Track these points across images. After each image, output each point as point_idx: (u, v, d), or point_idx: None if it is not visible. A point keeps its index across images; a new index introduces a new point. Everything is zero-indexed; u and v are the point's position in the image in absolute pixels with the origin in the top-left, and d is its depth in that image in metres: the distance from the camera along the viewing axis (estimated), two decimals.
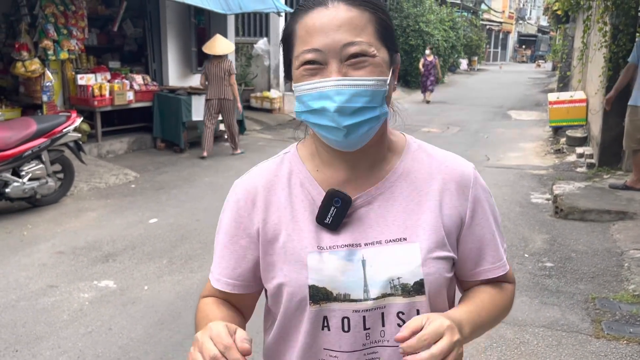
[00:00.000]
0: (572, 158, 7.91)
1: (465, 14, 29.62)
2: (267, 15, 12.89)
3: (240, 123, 9.35)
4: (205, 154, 7.82)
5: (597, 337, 3.08)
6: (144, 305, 3.49)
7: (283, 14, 11.59)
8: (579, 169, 7.21)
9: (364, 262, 0.95)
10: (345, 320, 0.95)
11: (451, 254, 0.99)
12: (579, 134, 8.65)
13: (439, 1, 22.38)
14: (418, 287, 0.95)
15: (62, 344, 3.04)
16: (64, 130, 5.31)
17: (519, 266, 4.18)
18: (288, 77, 0.98)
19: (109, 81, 7.76)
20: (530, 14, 55.60)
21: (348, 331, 0.95)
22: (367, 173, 1.00)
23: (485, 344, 3.05)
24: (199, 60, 9.50)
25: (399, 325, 0.94)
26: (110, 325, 3.25)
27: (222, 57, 7.71)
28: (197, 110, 8.24)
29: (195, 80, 9.27)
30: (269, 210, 1.01)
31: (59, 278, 3.87)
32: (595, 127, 7.49)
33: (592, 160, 7.19)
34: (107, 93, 7.54)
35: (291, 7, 14.30)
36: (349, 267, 0.95)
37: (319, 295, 0.95)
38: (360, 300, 0.94)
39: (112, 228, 4.91)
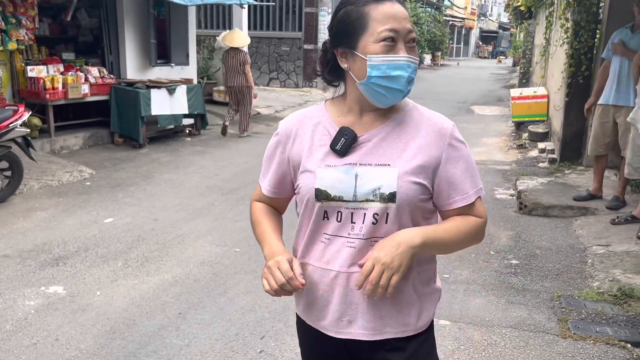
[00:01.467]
0: (534, 153, 7.98)
1: (429, 9, 29.85)
2: (229, 7, 12.62)
3: (202, 118, 9.12)
4: (244, 134, 9.08)
5: (563, 337, 3.04)
6: (96, 312, 3.28)
7: (246, 6, 11.34)
8: (541, 164, 7.28)
9: (356, 176, 1.35)
10: (339, 213, 1.36)
11: (422, 181, 1.34)
12: (540, 129, 8.75)
13: None
14: (391, 197, 1.32)
15: (4, 358, 2.82)
16: (11, 125, 5.00)
17: (485, 263, 4.14)
18: (344, 45, 1.35)
19: (62, 73, 7.39)
20: (491, 11, 56.58)
21: (340, 221, 1.37)
22: (373, 120, 1.39)
23: (453, 347, 2.97)
24: (159, 52, 9.19)
25: (373, 224, 1.34)
26: (58, 335, 3.03)
27: (238, 49, 8.77)
28: (157, 104, 7.96)
29: (155, 74, 8.97)
30: (295, 141, 1.43)
31: (3, 284, 3.61)
32: (557, 122, 7.57)
33: (554, 156, 7.26)
34: (60, 86, 7.18)
35: None
36: (345, 178, 1.35)
37: (322, 195, 1.36)
38: (350, 201, 1.35)
39: (63, 229, 4.65)
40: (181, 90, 8.38)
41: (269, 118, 11.28)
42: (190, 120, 9.01)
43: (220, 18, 15.59)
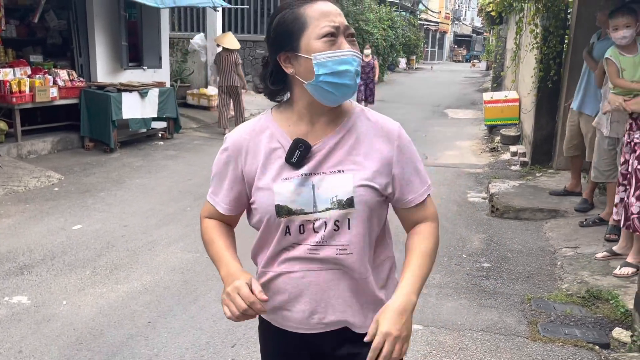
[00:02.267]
0: (506, 156, 8.09)
1: (404, 13, 30.09)
2: (203, 9, 12.51)
3: (175, 121, 9.01)
4: (226, 131, 9.11)
5: (533, 340, 3.07)
6: (61, 323, 3.20)
7: (220, 9, 11.25)
8: (513, 167, 7.37)
9: (313, 186, 1.34)
10: (301, 226, 1.36)
11: (376, 185, 1.36)
12: (512, 132, 8.88)
13: (377, 0, 22.57)
14: (349, 202, 1.34)
15: None
16: None
17: (457, 267, 4.17)
18: (286, 49, 1.33)
19: (29, 76, 7.22)
20: (465, 15, 57.34)
21: (303, 233, 1.36)
22: (325, 127, 1.38)
23: (425, 351, 2.98)
24: (131, 55, 9.06)
25: (335, 230, 1.35)
26: (21, 347, 2.94)
27: (231, 50, 9.33)
28: (128, 107, 7.84)
29: (127, 77, 8.83)
30: (248, 155, 1.39)
31: None
32: (528, 126, 7.69)
33: (525, 159, 7.37)
34: (27, 89, 7.00)
35: (228, 2, 13.97)
36: (303, 190, 1.34)
37: (283, 211, 1.35)
38: (311, 213, 1.35)
39: (29, 236, 4.53)
40: (153, 93, 8.27)
41: (243, 121, 11.21)
42: (163, 124, 8.90)
43: (194, 21, 15.45)
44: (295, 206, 1.34)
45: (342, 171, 1.35)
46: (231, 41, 9.49)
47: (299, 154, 1.34)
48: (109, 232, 4.70)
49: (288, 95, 1.42)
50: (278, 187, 1.35)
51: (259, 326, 1.56)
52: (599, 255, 4.09)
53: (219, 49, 9.86)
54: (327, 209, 1.34)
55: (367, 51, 12.15)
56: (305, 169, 1.35)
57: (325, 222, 1.35)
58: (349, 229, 1.36)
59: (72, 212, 5.17)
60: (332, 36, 1.29)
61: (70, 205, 5.39)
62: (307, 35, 1.30)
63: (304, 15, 1.31)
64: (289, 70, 1.34)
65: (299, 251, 1.38)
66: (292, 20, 1.31)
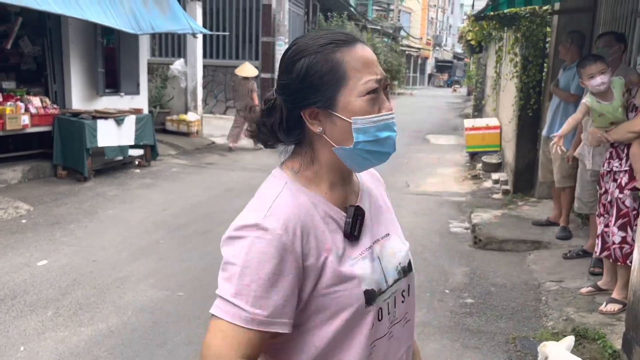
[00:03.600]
0: (488, 184, 8.04)
1: (386, 39, 30.46)
2: (183, 35, 12.43)
3: (153, 148, 8.82)
4: (231, 145, 10.48)
5: None
6: None
7: (200, 36, 11.20)
8: (495, 196, 7.31)
9: (378, 259, 1.13)
10: (379, 310, 1.11)
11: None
12: (494, 160, 8.86)
13: (360, 27, 22.80)
14: (409, 267, 1.21)
15: None
16: None
17: (440, 303, 4.02)
18: (317, 104, 1.06)
19: (0, 104, 7.01)
20: (446, 41, 58.41)
21: (381, 320, 1.12)
22: (352, 187, 1.17)
23: None
24: (108, 81, 8.90)
25: (402, 302, 1.18)
26: None
27: (247, 78, 10.35)
28: (104, 135, 7.64)
29: (103, 103, 8.65)
30: (310, 241, 1.04)
31: None
32: (509, 154, 7.66)
33: (507, 187, 7.31)
34: None
35: (209, 29, 13.92)
36: (374, 266, 1.11)
37: (371, 296, 1.08)
38: (385, 291, 1.12)
39: None
40: (130, 120, 8.10)
41: (224, 148, 11.03)
42: (140, 152, 8.71)
43: (175, 46, 15.38)
44: (375, 287, 1.10)
45: (389, 234, 1.19)
46: (249, 70, 10.47)
47: (358, 223, 1.11)
48: (76, 267, 4.47)
49: (288, 146, 1.15)
50: (358, 268, 1.08)
51: None
52: (584, 290, 3.99)
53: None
54: (395, 281, 1.15)
55: None
56: (367, 241, 1.12)
57: (395, 297, 1.16)
58: (409, 295, 1.20)
59: (39, 247, 4.93)
60: (374, 92, 1.06)
61: (37, 238, 5.15)
62: (347, 91, 1.05)
63: (343, 63, 1.05)
64: (316, 128, 1.08)
65: (382, 347, 1.13)
66: (329, 70, 1.05)
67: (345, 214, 1.11)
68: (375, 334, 1.10)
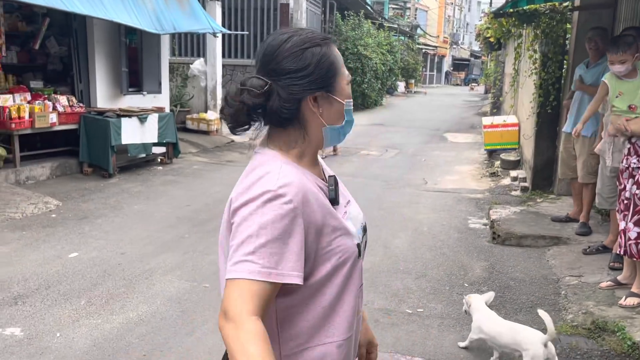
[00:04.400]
0: (506, 181, 8.06)
1: (403, 38, 30.41)
2: (204, 35, 12.60)
3: (175, 146, 9.00)
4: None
5: None
6: (54, 356, 3.11)
7: (220, 35, 11.35)
8: (513, 193, 7.33)
9: (350, 219, 1.29)
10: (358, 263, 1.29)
11: None
12: (512, 157, 8.86)
13: (376, 25, 22.82)
14: (366, 227, 1.38)
15: None
16: None
17: (459, 296, 4.08)
18: (324, 88, 1.23)
19: (29, 102, 7.22)
20: (463, 39, 57.99)
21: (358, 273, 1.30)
22: (319, 163, 1.35)
23: None
24: (131, 80, 9.09)
25: (363, 257, 1.33)
26: None
27: None
28: (127, 133, 7.83)
29: (127, 102, 8.85)
30: (309, 204, 1.16)
31: None
32: (528, 151, 7.67)
33: (526, 184, 7.33)
34: (26, 115, 7.00)
35: (228, 28, 14.10)
36: (351, 224, 1.27)
37: (359, 249, 1.28)
38: (359, 243, 1.29)
39: (25, 264, 4.46)
40: (152, 119, 8.27)
41: (242, 146, 11.18)
42: (162, 149, 8.88)
43: (195, 46, 15.58)
44: (359, 241, 1.29)
45: (349, 200, 1.36)
46: None
47: (336, 191, 1.29)
48: (106, 260, 4.63)
49: (260, 131, 1.27)
50: (349, 225, 1.26)
51: None
52: (603, 284, 4.02)
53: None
54: (361, 238, 1.32)
55: None
56: (342, 205, 1.30)
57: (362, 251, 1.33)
58: (364, 251, 1.37)
59: (69, 240, 5.10)
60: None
61: (67, 232, 5.33)
62: (341, 78, 1.25)
63: (336, 56, 1.25)
64: (316, 110, 1.22)
65: (360, 290, 1.34)
66: (334, 59, 1.23)
67: (326, 183, 1.30)
68: (359, 283, 1.29)
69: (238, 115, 1.21)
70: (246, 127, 1.24)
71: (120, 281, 4.20)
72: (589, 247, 4.80)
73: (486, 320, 3.15)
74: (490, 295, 3.31)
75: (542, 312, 2.94)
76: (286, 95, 1.19)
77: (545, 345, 2.83)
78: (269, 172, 1.17)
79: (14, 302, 3.76)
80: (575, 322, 3.59)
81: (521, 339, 2.92)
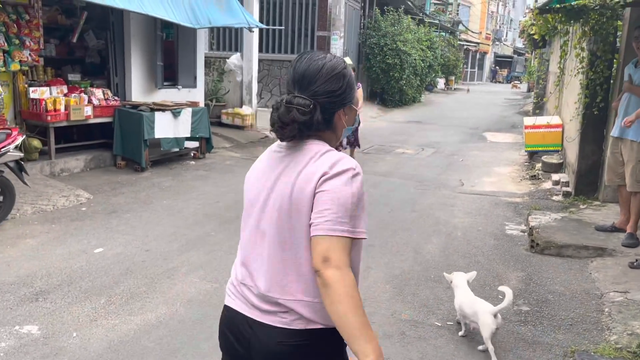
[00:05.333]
0: (547, 185, 7.69)
1: (443, 34, 29.79)
2: (240, 30, 12.56)
3: (208, 141, 8.97)
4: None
5: None
6: (68, 357, 3.05)
7: (256, 30, 11.27)
8: (555, 197, 6.98)
9: None
10: None
11: None
12: (554, 160, 8.46)
13: (416, 21, 22.38)
14: None
15: None
16: (3, 150, 4.86)
17: None
18: (351, 101, 1.62)
19: (65, 95, 7.30)
20: (506, 36, 56.54)
21: None
22: None
23: None
24: (166, 74, 9.11)
25: None
26: None
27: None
28: (161, 127, 7.83)
29: (161, 96, 8.86)
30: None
31: None
32: (571, 154, 7.29)
33: (568, 189, 6.96)
34: (62, 107, 7.07)
35: (265, 23, 14.04)
36: None
37: None
38: None
39: (50, 259, 4.46)
40: (186, 113, 8.25)
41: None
42: (196, 144, 8.87)
43: (232, 40, 15.59)
44: None
45: None
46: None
47: None
48: (130, 256, 4.58)
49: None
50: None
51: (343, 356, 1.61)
52: None
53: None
54: None
55: None
56: None
57: None
58: None
59: (96, 234, 5.09)
60: None
61: (95, 226, 5.32)
62: (355, 91, 1.63)
63: (352, 74, 1.61)
64: (343, 117, 1.60)
65: None
66: (352, 78, 1.62)
67: None
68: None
69: (289, 129, 1.50)
70: (294, 137, 1.53)
71: (142, 279, 4.13)
72: (637, 260, 4.47)
73: (462, 297, 3.42)
74: (472, 274, 3.61)
75: (504, 288, 3.32)
76: (326, 110, 1.54)
77: (495, 316, 3.18)
78: (343, 156, 1.50)
79: (35, 299, 3.74)
80: (619, 344, 3.31)
81: (477, 309, 3.25)
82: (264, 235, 1.53)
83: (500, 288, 3.35)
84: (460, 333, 3.48)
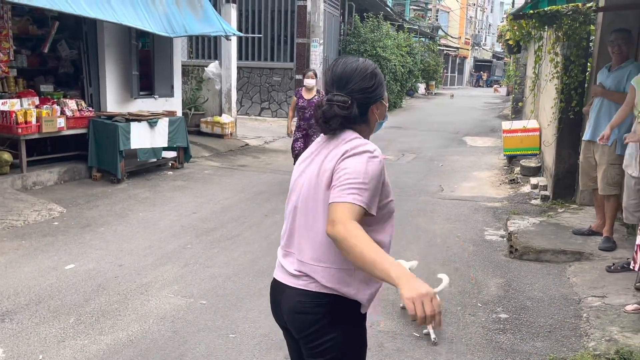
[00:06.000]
0: (526, 189, 7.72)
1: (423, 39, 29.99)
2: (218, 37, 12.48)
3: (186, 150, 8.86)
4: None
5: None
6: None
7: (234, 38, 11.19)
8: (533, 201, 7.00)
9: None
10: None
11: None
12: (533, 163, 8.51)
13: (396, 26, 22.49)
14: None
15: None
16: None
17: (471, 318, 3.82)
18: (381, 98, 1.84)
19: (37, 106, 7.14)
20: (485, 40, 57.18)
21: None
22: None
23: None
24: (142, 83, 8.98)
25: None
26: None
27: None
28: (137, 137, 7.70)
29: (137, 106, 8.73)
30: (384, 168, 1.73)
31: None
32: (549, 158, 7.33)
33: (547, 193, 6.99)
34: (33, 120, 6.91)
35: (243, 31, 13.96)
36: None
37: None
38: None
39: (19, 277, 4.31)
40: (163, 123, 8.14)
41: (257, 150, 11.04)
42: (173, 154, 8.75)
43: (210, 48, 15.49)
44: None
45: None
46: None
47: None
48: (102, 272, 4.46)
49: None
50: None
51: (359, 327, 1.82)
52: (629, 307, 3.72)
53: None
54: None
55: (311, 82, 7.34)
56: None
57: None
58: None
59: (68, 250, 4.96)
60: None
61: (67, 241, 5.19)
62: (385, 100, 1.84)
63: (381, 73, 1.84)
64: (376, 112, 1.82)
65: None
66: (382, 76, 1.83)
67: None
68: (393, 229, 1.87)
69: (332, 122, 1.75)
70: (336, 130, 1.77)
71: (114, 296, 4.02)
72: (614, 264, 4.48)
73: None
74: (413, 264, 3.88)
75: (442, 275, 3.65)
76: (362, 105, 1.76)
77: None
78: (368, 142, 1.73)
79: (1, 319, 3.60)
80: (597, 350, 3.29)
81: None
82: (295, 208, 1.79)
83: (439, 275, 3.71)
84: (433, 337, 3.43)
